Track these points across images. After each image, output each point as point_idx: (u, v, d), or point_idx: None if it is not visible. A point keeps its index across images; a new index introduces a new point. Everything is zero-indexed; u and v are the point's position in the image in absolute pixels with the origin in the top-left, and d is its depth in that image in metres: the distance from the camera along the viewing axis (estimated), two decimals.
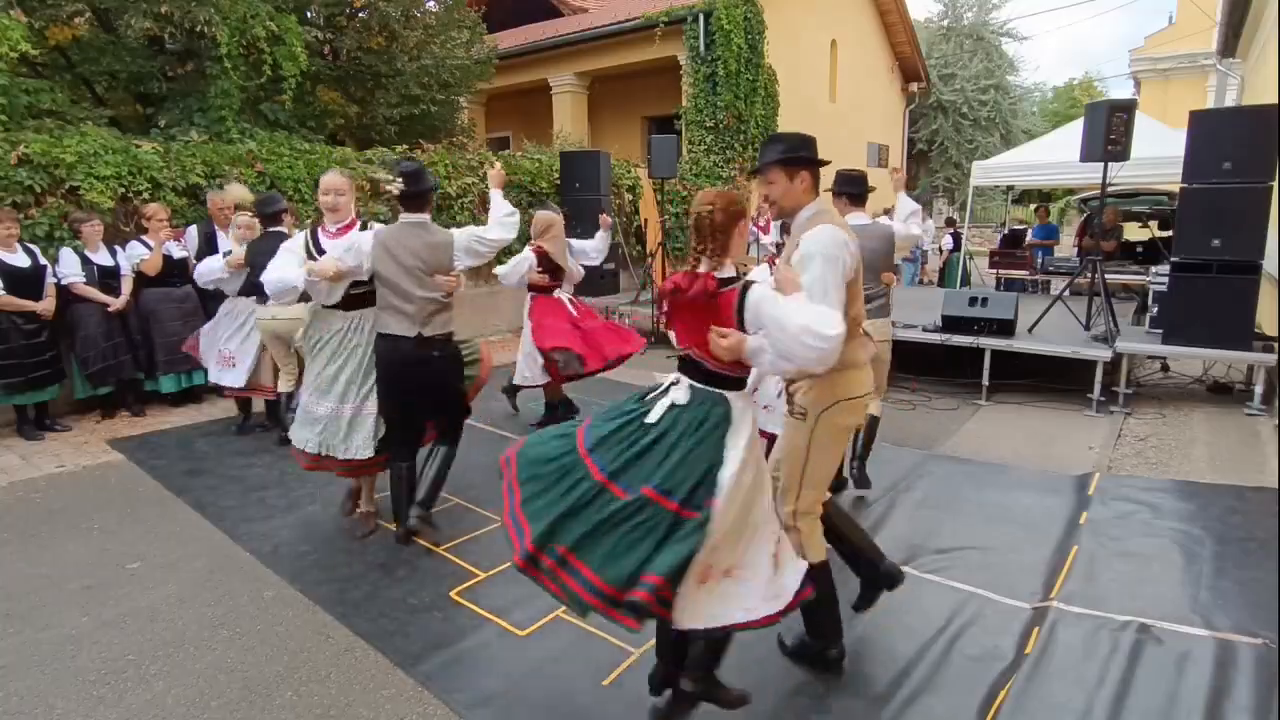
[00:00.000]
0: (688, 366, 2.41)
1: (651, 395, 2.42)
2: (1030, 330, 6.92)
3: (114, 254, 5.75)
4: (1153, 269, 8.84)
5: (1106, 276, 7.21)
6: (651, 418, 2.33)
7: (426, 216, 3.62)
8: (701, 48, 12.62)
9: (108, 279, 5.70)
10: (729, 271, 2.34)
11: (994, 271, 11.88)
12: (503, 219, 3.75)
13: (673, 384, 2.40)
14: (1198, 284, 6.03)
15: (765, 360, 2.26)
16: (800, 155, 2.59)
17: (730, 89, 12.64)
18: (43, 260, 5.42)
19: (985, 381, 6.60)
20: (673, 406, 2.33)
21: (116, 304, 5.69)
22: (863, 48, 17.32)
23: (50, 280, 5.44)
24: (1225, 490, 4.47)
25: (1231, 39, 11.62)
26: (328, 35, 9.48)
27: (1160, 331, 6.39)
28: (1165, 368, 7.42)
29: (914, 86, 19.54)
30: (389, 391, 3.63)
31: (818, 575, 2.58)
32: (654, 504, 2.18)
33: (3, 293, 5.13)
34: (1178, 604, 3.21)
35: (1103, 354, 6.19)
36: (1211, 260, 5.96)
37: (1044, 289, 11.27)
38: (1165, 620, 3.06)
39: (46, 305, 5.36)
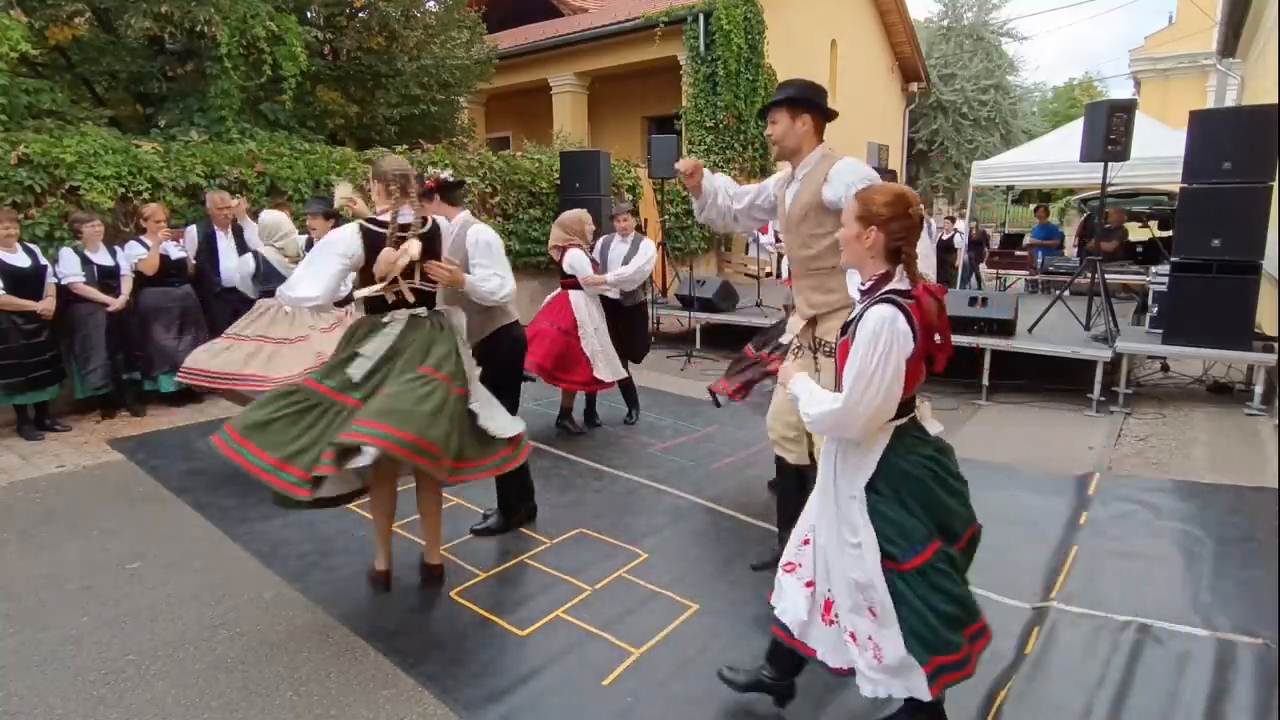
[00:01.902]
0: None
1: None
2: (1030, 330, 6.92)
3: (114, 254, 5.76)
4: (1153, 269, 8.85)
5: (1106, 276, 7.21)
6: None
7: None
8: (701, 48, 12.63)
9: (107, 279, 5.70)
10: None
11: (994, 271, 11.92)
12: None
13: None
14: (1198, 284, 6.03)
15: None
16: (804, 98, 2.76)
17: (730, 89, 12.65)
18: (43, 260, 5.42)
19: (985, 381, 6.60)
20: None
21: (116, 304, 5.69)
22: (863, 48, 17.32)
23: (50, 280, 5.44)
24: (1225, 490, 4.47)
25: (1231, 39, 11.63)
26: (328, 35, 9.48)
27: (1160, 331, 6.39)
28: (1165, 368, 7.42)
29: (914, 86, 19.55)
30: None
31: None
32: None
33: (3, 293, 5.14)
34: (1178, 604, 3.21)
35: (1103, 354, 6.19)
36: (1211, 260, 5.96)
37: (1044, 289, 11.28)
38: (1165, 620, 3.06)
39: (46, 305, 5.37)
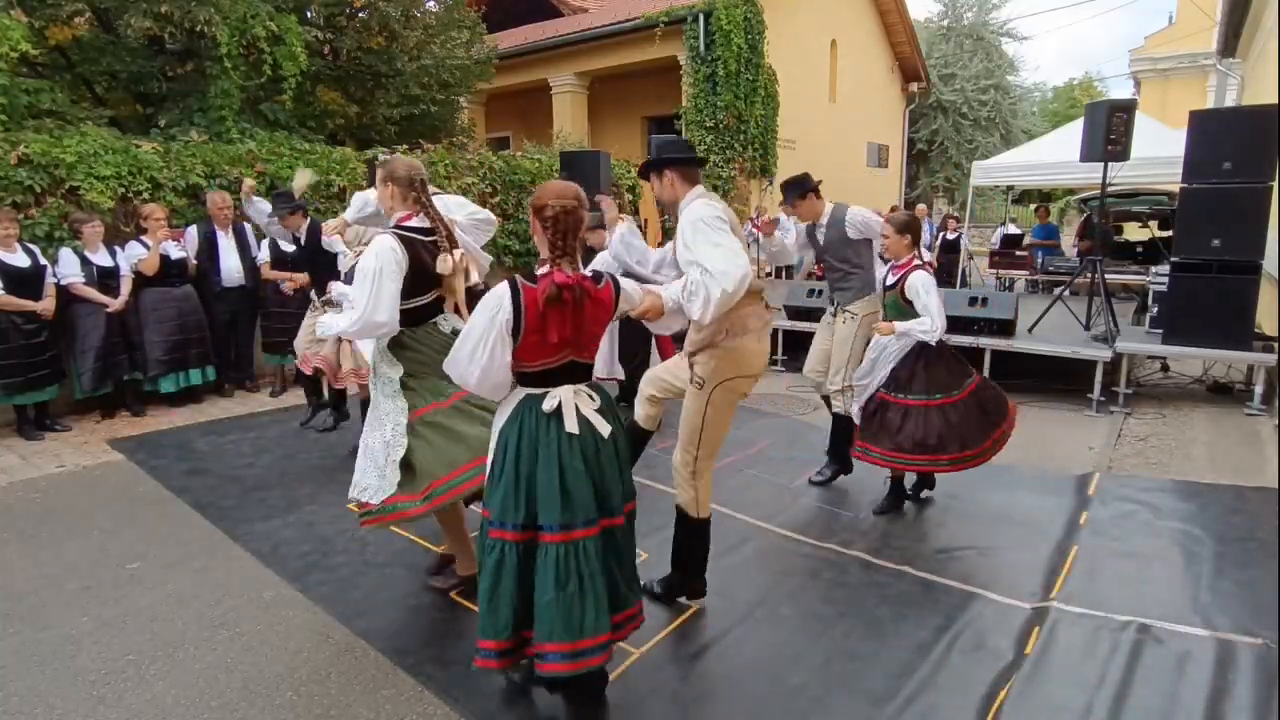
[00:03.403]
0: (577, 371, 2.37)
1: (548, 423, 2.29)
2: (1030, 330, 6.92)
3: (113, 254, 5.75)
4: (1153, 269, 8.85)
5: (1106, 276, 7.21)
6: (605, 430, 2.35)
7: None
8: (701, 48, 12.63)
9: (106, 279, 5.69)
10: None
11: (994, 272, 11.92)
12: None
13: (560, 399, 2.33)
14: (1198, 284, 6.04)
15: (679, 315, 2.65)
16: (654, 160, 2.94)
17: (730, 89, 12.65)
18: (43, 260, 5.42)
19: None
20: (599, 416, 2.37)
21: (115, 304, 5.68)
22: (863, 48, 17.33)
23: (50, 280, 5.44)
24: (1225, 490, 4.47)
25: (1231, 39, 11.63)
26: (328, 35, 9.47)
27: (1160, 331, 6.40)
28: (1165, 368, 7.42)
29: (914, 86, 19.56)
30: None
31: (703, 528, 3.12)
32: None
33: (2, 293, 5.13)
34: (1178, 604, 3.21)
35: (1103, 354, 6.20)
36: (1212, 260, 5.96)
37: (1044, 289, 11.28)
38: (1165, 620, 3.06)
39: (46, 305, 5.36)
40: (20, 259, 5.27)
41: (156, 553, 3.71)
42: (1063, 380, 6.66)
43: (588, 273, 2.33)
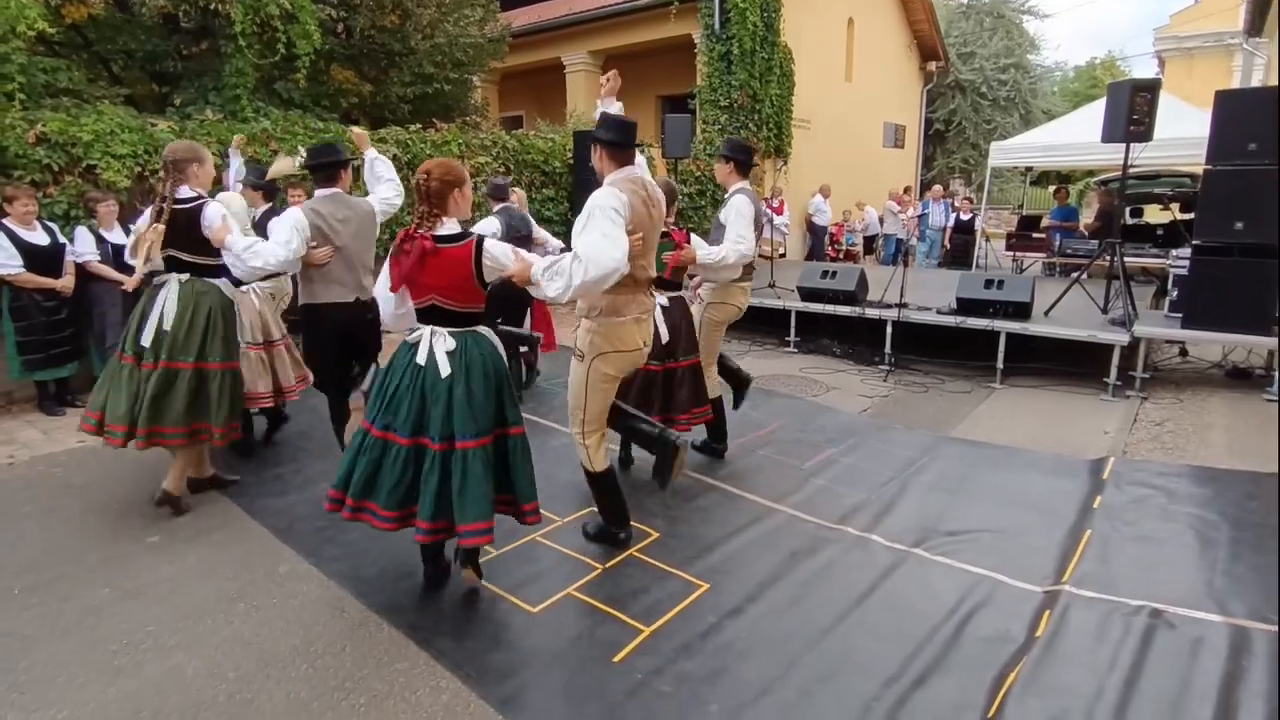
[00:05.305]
0: (440, 315, 2.86)
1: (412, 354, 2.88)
2: (1047, 313, 6.85)
3: (128, 233, 5.77)
4: (1173, 252, 8.72)
5: (1125, 259, 7.12)
6: (444, 370, 2.79)
7: (340, 189, 4.03)
8: (716, 26, 12.48)
9: (121, 257, 5.73)
10: (452, 229, 2.84)
11: (1010, 254, 11.80)
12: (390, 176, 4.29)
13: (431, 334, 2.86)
14: (1219, 267, 5.95)
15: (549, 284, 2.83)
16: (594, 135, 3.24)
17: (745, 68, 12.51)
18: (62, 238, 5.47)
19: (1000, 364, 6.55)
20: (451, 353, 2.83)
21: (131, 282, 5.69)
22: (880, 25, 17.06)
23: (69, 258, 5.49)
24: (1242, 476, 4.43)
25: (1258, 17, 11.39)
26: (341, 13, 9.43)
27: (1180, 316, 6.31)
28: (1183, 352, 7.34)
29: (932, 65, 19.24)
30: (329, 349, 4.16)
31: (603, 479, 3.41)
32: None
33: (24, 271, 5.19)
34: (1192, 589, 3.19)
35: (1120, 338, 6.13)
36: (1234, 243, 5.87)
37: (1062, 272, 11.16)
38: (1179, 605, 3.05)
39: (66, 283, 5.41)
40: (40, 237, 5.32)
41: (175, 527, 3.77)
42: (1079, 364, 6.61)
43: (450, 231, 2.81)
